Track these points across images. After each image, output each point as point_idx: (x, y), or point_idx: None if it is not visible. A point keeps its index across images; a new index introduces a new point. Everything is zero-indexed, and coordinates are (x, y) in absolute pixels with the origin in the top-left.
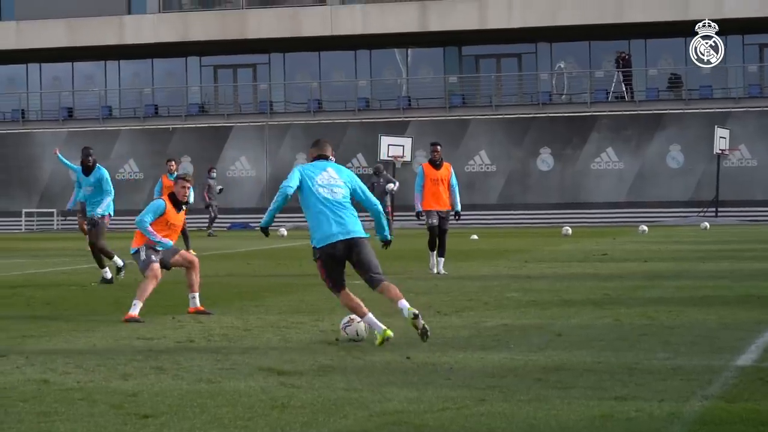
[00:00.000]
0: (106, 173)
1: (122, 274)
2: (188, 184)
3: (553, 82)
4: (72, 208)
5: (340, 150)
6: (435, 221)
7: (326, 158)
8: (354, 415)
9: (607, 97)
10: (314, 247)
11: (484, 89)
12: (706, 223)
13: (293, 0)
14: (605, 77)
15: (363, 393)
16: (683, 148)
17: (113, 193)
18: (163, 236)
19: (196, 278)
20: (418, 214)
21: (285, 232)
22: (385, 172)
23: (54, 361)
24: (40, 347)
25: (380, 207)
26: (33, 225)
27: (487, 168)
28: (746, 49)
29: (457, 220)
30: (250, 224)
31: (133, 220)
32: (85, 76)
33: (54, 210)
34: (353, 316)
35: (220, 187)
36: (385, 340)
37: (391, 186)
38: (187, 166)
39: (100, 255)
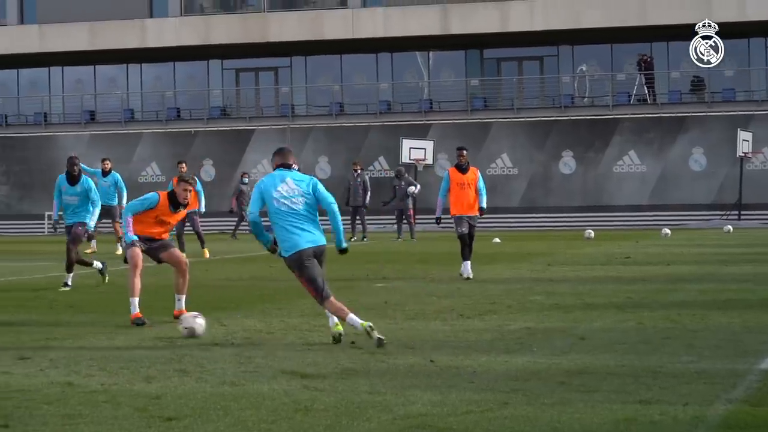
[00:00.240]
0: (92, 183)
1: (106, 276)
2: (190, 188)
3: (575, 84)
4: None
5: (361, 153)
6: (465, 229)
7: (288, 167)
8: (377, 419)
9: (629, 100)
10: (284, 258)
11: (505, 92)
12: (729, 226)
13: (315, 3)
14: (627, 80)
15: (386, 396)
16: (706, 151)
17: (99, 204)
18: (152, 231)
19: (183, 280)
20: (438, 220)
21: None
22: (406, 175)
23: (78, 364)
24: (63, 350)
25: (336, 207)
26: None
27: (509, 171)
28: None
29: (480, 216)
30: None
31: None
32: (107, 79)
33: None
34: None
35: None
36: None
37: (412, 189)
38: (209, 169)
39: (73, 260)
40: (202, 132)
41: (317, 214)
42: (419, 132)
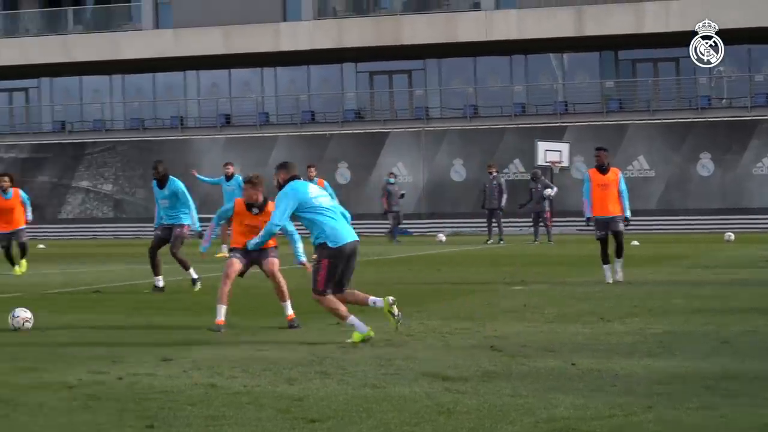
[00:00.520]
0: (181, 184)
1: (197, 285)
2: (249, 186)
3: (712, 86)
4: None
5: (496, 155)
6: (604, 233)
7: (298, 178)
8: (521, 422)
9: None
10: (329, 247)
11: (641, 94)
12: None
13: (448, 5)
14: (765, 81)
15: (528, 399)
16: None
17: (192, 203)
18: (244, 238)
19: (278, 288)
20: (588, 220)
21: (444, 238)
22: (543, 178)
23: (220, 365)
24: (205, 351)
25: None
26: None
27: (646, 173)
28: None
29: (626, 225)
30: (408, 230)
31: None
32: (242, 83)
33: (213, 216)
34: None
35: (402, 191)
36: (365, 339)
37: (549, 191)
38: (344, 171)
39: (158, 263)
40: (336, 135)
41: None
42: (554, 134)
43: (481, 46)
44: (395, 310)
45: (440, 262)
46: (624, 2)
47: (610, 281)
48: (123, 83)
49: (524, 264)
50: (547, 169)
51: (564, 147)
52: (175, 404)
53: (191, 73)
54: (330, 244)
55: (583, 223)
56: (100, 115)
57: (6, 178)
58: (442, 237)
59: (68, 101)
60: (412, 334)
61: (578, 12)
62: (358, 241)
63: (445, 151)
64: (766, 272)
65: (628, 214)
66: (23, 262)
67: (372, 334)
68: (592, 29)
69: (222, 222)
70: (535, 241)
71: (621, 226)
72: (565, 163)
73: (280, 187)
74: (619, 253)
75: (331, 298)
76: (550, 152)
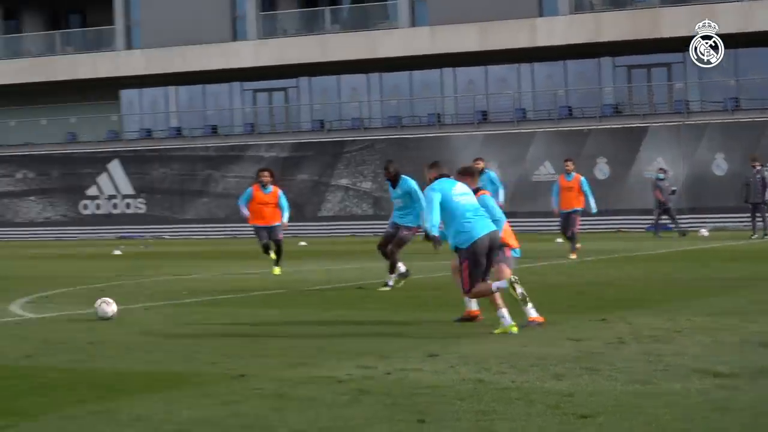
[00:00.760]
0: (413, 183)
1: (401, 283)
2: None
3: None
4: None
5: (758, 149)
6: None
7: (447, 176)
8: None
9: None
10: (464, 249)
11: None
12: None
13: None
14: None
15: None
16: None
17: (422, 202)
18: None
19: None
20: None
21: (707, 233)
22: None
23: (486, 361)
24: (471, 347)
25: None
26: None
27: None
28: None
29: None
30: (668, 225)
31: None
32: (498, 79)
33: None
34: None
35: (673, 188)
36: (507, 333)
37: None
38: (603, 167)
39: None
40: (594, 130)
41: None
42: None
43: (742, 38)
44: (518, 287)
45: (705, 257)
46: None
47: None
48: (380, 81)
49: None
50: None
51: None
52: (444, 399)
53: (447, 71)
54: (463, 246)
55: None
56: (357, 114)
57: (266, 173)
58: (704, 232)
59: (326, 100)
60: (680, 330)
61: None
62: (495, 230)
63: (705, 147)
64: None
65: None
66: (277, 269)
67: (515, 330)
68: None
69: None
70: None
71: None
72: None
73: (430, 183)
74: None
75: (483, 286)
76: None
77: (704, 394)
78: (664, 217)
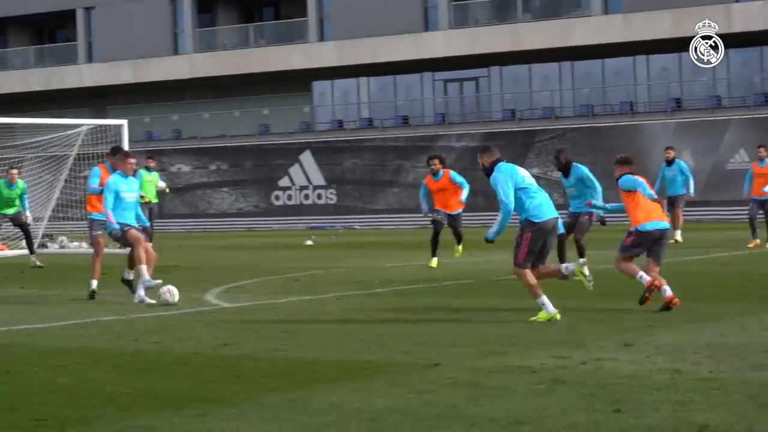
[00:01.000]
0: (585, 169)
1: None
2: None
3: None
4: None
5: None
6: None
7: (502, 160)
8: None
9: None
10: (533, 222)
11: None
12: None
13: None
14: None
15: None
16: None
17: (599, 188)
18: None
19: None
20: None
21: None
22: None
23: (683, 351)
24: (666, 337)
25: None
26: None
27: None
28: None
29: None
30: None
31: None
32: (692, 67)
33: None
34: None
35: None
36: (551, 320)
37: None
38: None
39: (565, 250)
40: None
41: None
42: None
43: None
44: (586, 271)
45: None
46: None
47: None
48: (572, 70)
49: None
50: None
51: None
52: (640, 389)
53: (641, 58)
54: (534, 219)
55: None
56: (549, 103)
57: (435, 161)
58: None
59: (517, 89)
60: None
61: None
62: (557, 217)
63: None
64: None
65: None
66: (459, 248)
67: (558, 316)
68: None
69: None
70: None
71: None
72: None
73: (486, 169)
74: None
75: (530, 274)
76: None
77: None
78: None
